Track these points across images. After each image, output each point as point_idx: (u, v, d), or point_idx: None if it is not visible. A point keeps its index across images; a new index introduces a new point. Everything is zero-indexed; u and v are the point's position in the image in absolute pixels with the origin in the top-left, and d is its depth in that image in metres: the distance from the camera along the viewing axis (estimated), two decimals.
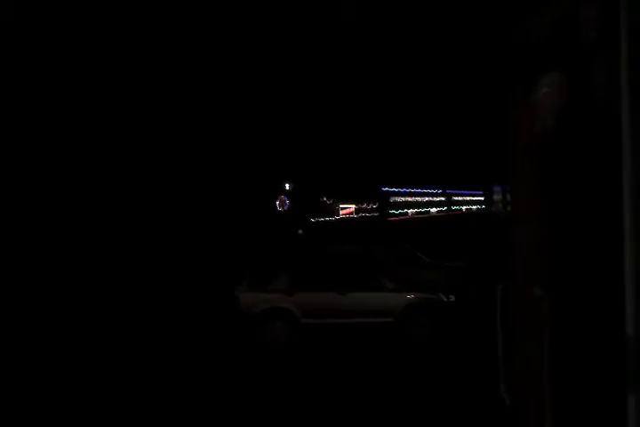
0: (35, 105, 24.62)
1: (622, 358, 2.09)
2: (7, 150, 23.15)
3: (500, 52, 3.31)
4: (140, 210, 29.14)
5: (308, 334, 10.88)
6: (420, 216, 69.47)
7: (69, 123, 26.24)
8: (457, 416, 7.35)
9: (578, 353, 2.49)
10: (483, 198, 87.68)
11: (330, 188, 50.62)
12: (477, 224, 49.06)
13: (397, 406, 7.75)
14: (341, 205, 55.41)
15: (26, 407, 7.74)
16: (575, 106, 2.46)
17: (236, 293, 11.02)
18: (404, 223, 55.16)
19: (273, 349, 10.69)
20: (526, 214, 3.03)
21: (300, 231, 34.53)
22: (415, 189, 70.57)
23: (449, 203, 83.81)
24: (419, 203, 72.45)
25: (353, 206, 57.86)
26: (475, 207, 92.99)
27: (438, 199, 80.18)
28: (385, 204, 62.19)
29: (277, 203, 38.07)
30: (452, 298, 11.12)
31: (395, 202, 65.34)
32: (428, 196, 76.01)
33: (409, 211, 68.69)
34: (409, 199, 69.30)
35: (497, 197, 62.78)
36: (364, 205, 59.84)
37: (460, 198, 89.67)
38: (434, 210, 77.42)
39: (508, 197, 3.39)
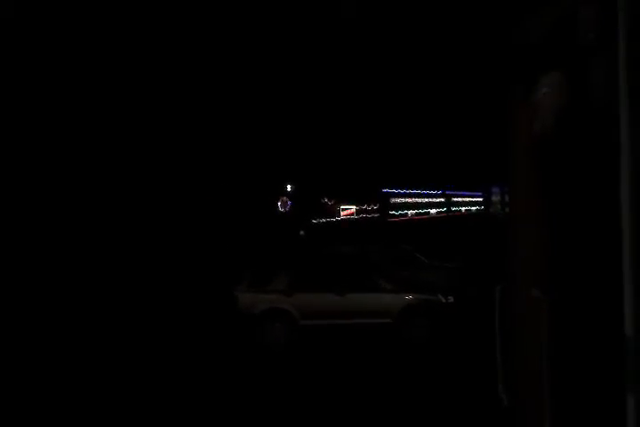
0: (35, 104, 24.61)
1: (621, 359, 2.08)
2: (6, 150, 23.14)
3: (499, 52, 3.31)
4: (143, 211, 29.14)
5: (306, 335, 10.88)
6: (419, 217, 69.50)
7: (70, 123, 26.23)
8: (456, 416, 7.34)
9: (576, 354, 2.48)
10: (482, 199, 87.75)
11: (331, 189, 50.74)
12: (476, 225, 49.07)
13: (396, 406, 7.74)
14: (342, 207, 55.50)
15: (26, 407, 7.74)
16: (574, 106, 2.46)
17: (235, 293, 11.02)
18: (404, 224, 55.19)
19: (272, 350, 10.69)
20: (525, 215, 3.03)
21: (302, 232, 34.64)
22: (415, 191, 70.62)
23: (448, 204, 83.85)
24: (418, 204, 72.50)
25: (354, 207, 57.93)
26: (474, 208, 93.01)
27: (438, 200, 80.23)
28: (385, 205, 62.26)
29: (279, 204, 38.17)
30: (451, 299, 11.12)
31: (395, 203, 65.41)
32: (427, 197, 76.06)
33: (409, 212, 68.74)
34: (409, 200, 69.36)
35: (495, 198, 62.85)
36: (365, 206, 59.92)
37: (459, 199, 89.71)
38: (433, 211, 77.45)
39: (507, 199, 3.38)
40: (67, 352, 10.32)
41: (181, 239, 28.75)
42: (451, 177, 76.80)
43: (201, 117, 32.46)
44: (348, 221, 54.24)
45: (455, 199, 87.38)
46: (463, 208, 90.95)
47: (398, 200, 65.98)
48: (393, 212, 63.70)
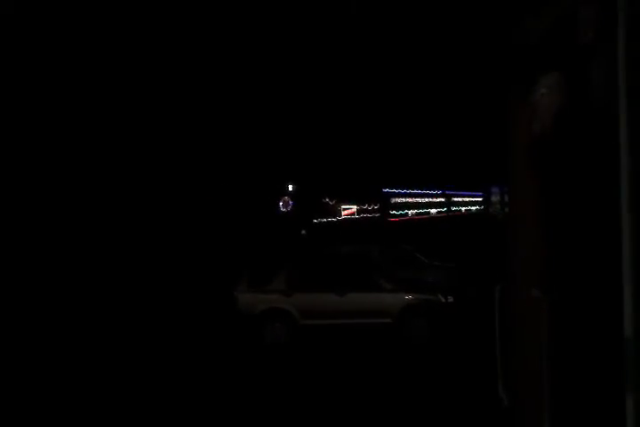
0: (35, 104, 24.60)
1: (620, 359, 2.08)
2: (6, 150, 23.13)
3: (499, 52, 3.30)
4: (146, 212, 29.14)
5: (306, 334, 10.87)
6: (419, 217, 69.52)
7: (71, 123, 26.22)
8: (455, 416, 7.34)
9: (576, 354, 2.48)
10: (482, 199, 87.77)
11: (332, 189, 50.83)
12: (476, 225, 49.09)
13: (396, 406, 7.74)
14: (343, 206, 55.55)
15: (26, 407, 7.74)
16: (573, 106, 2.46)
17: (235, 293, 11.02)
18: (405, 224, 55.24)
19: (272, 350, 10.68)
20: (524, 215, 3.03)
21: (304, 232, 34.75)
22: (415, 191, 70.65)
23: (448, 204, 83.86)
24: (419, 204, 72.51)
25: (355, 207, 57.97)
26: (474, 208, 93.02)
27: (438, 200, 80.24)
28: (386, 205, 62.30)
29: (281, 204, 38.25)
30: (451, 299, 11.12)
31: (395, 203, 65.44)
32: (427, 197, 76.08)
33: (409, 212, 68.76)
34: (409, 200, 69.38)
35: (495, 198, 62.84)
36: (366, 206, 59.97)
37: (459, 199, 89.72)
38: (433, 211, 77.46)
39: (506, 199, 3.38)
40: (70, 352, 10.32)
41: (184, 240, 28.76)
42: (451, 177, 76.84)
43: (205, 118, 32.47)
44: (349, 221, 54.29)
45: (455, 199, 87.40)
46: (463, 208, 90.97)
47: (399, 200, 66.01)
48: (393, 211, 63.74)
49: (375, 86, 39.85)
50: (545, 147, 2.74)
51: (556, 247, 2.66)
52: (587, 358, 2.38)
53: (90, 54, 26.20)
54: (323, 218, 49.87)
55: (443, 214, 78.29)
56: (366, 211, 59.57)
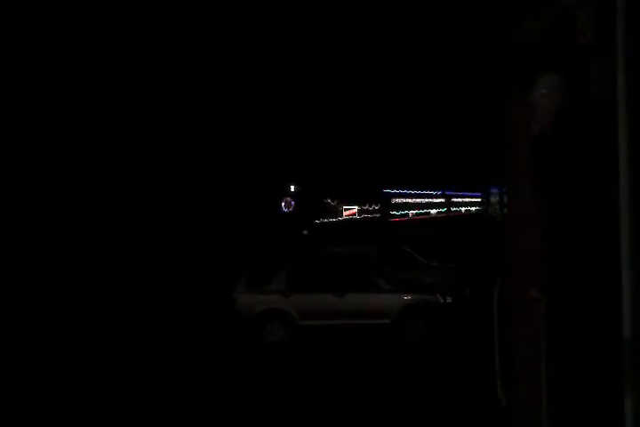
0: (34, 104, 24.62)
1: (619, 359, 2.08)
2: (5, 150, 23.14)
3: (497, 52, 3.30)
4: (148, 213, 29.16)
5: (305, 335, 10.87)
6: (420, 217, 69.58)
7: (71, 123, 26.23)
8: (454, 417, 7.34)
9: (574, 354, 2.48)
10: (481, 200, 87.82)
11: (334, 190, 50.93)
12: (476, 225, 49.14)
13: (394, 407, 7.73)
14: (345, 207, 55.61)
15: (25, 407, 7.73)
16: (572, 106, 2.46)
17: (233, 294, 11.01)
18: (405, 224, 55.37)
19: (271, 350, 10.68)
20: (523, 215, 3.02)
21: (305, 232, 34.80)
22: (416, 191, 70.70)
23: (448, 204, 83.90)
24: (419, 204, 72.56)
25: (356, 208, 58.03)
26: (474, 209, 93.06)
27: (438, 201, 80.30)
28: (386, 205, 62.35)
29: (283, 204, 38.34)
30: (450, 299, 11.12)
31: (396, 203, 65.50)
32: (428, 197, 76.12)
33: (410, 212, 68.80)
34: (409, 201, 69.41)
35: (494, 198, 62.84)
36: (367, 207, 60.04)
37: (459, 200, 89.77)
38: (433, 211, 77.50)
39: (505, 199, 3.38)
40: (67, 353, 10.32)
41: (186, 240, 28.76)
42: (451, 177, 76.86)
43: (207, 119, 32.49)
44: (350, 221, 54.36)
45: (455, 200, 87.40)
46: (463, 208, 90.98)
47: (399, 200, 66.04)
48: (394, 212, 63.77)
49: (376, 87, 39.90)
50: (543, 147, 2.74)
51: (554, 248, 2.66)
52: (585, 358, 2.38)
53: (90, 54, 26.21)
54: (324, 218, 49.94)
55: (443, 215, 78.30)
56: (367, 211, 59.60)
